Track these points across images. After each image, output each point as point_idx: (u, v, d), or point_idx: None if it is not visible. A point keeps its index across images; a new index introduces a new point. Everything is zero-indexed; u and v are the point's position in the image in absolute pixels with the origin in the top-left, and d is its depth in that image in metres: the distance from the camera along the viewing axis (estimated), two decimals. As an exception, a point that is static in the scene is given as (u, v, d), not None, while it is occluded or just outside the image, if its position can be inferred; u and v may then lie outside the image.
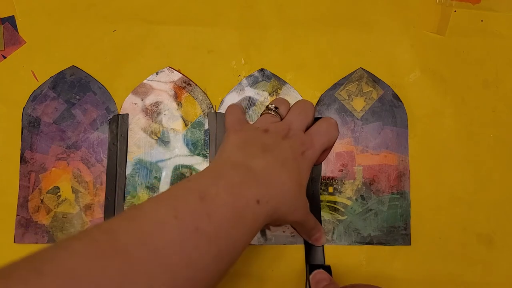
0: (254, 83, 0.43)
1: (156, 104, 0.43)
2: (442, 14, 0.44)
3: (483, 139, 0.43)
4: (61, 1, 0.45)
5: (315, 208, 0.42)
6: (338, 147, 0.42)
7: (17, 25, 0.44)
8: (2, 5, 0.44)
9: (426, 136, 0.43)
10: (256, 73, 0.44)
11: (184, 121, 0.43)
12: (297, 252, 0.41)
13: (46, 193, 0.42)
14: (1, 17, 0.44)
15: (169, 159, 0.42)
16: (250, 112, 0.43)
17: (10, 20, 0.44)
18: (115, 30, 0.44)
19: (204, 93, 0.43)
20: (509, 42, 0.44)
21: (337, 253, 0.41)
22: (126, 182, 0.42)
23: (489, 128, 0.43)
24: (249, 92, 0.43)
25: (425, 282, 0.41)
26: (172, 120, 0.43)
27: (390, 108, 0.43)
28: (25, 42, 0.44)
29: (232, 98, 0.43)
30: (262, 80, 0.43)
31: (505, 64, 0.44)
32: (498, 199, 0.42)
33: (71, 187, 0.42)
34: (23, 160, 0.42)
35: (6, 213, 0.42)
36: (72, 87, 0.43)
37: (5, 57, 0.44)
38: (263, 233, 0.41)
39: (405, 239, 0.41)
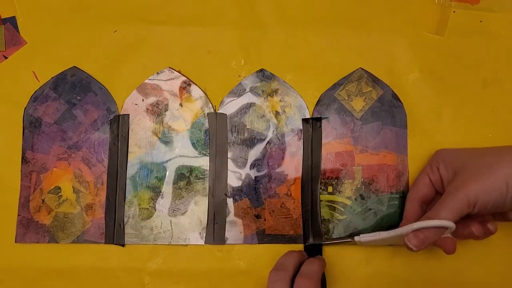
0: (254, 83, 0.44)
1: (157, 104, 0.43)
2: (441, 15, 0.44)
3: (482, 139, 0.43)
4: (61, 1, 0.45)
5: (314, 207, 0.42)
6: (337, 146, 0.43)
7: (18, 26, 0.44)
8: (3, 6, 0.44)
9: (425, 136, 0.43)
10: (256, 74, 0.44)
11: (185, 121, 0.43)
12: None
13: (47, 193, 0.42)
14: (2, 17, 0.44)
15: (169, 159, 0.43)
16: (250, 111, 0.43)
17: (11, 21, 0.44)
18: (115, 31, 0.44)
19: (205, 93, 0.43)
20: (508, 42, 0.44)
21: (337, 253, 0.42)
22: (127, 182, 0.42)
23: (488, 128, 0.43)
24: (249, 92, 0.43)
25: (425, 281, 0.41)
26: (173, 120, 0.43)
27: (389, 108, 0.43)
28: (26, 43, 0.44)
29: (232, 98, 0.43)
30: (262, 80, 0.44)
31: (504, 64, 0.44)
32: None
33: (72, 187, 0.42)
34: (24, 160, 0.43)
35: (7, 213, 0.42)
36: (73, 88, 0.44)
37: (6, 58, 0.44)
38: (261, 234, 0.42)
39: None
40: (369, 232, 0.41)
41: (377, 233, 0.37)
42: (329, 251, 0.42)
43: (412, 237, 0.34)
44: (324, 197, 0.42)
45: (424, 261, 0.41)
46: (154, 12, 0.45)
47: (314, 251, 0.41)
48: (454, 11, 0.44)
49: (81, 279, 0.41)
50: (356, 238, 0.38)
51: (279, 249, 0.41)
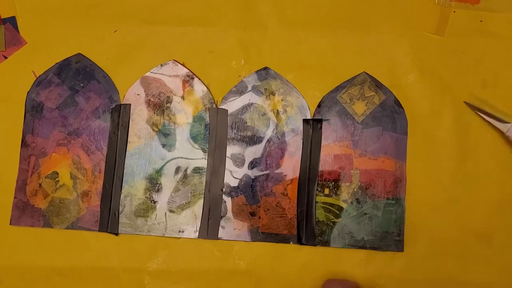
0: (256, 81, 0.44)
1: (159, 96, 0.43)
2: (441, 15, 0.44)
3: (482, 140, 0.43)
4: (62, 2, 0.45)
5: (310, 208, 0.42)
6: (336, 149, 0.43)
7: (18, 26, 0.45)
8: (3, 6, 0.45)
9: (424, 136, 0.43)
10: (259, 72, 0.44)
11: (186, 115, 0.43)
12: (297, 251, 0.42)
13: (45, 177, 0.43)
14: (2, 17, 0.45)
15: (168, 151, 0.43)
16: (251, 109, 0.43)
17: (11, 21, 0.45)
18: (115, 31, 0.45)
19: (207, 87, 0.43)
20: (508, 42, 0.44)
21: (337, 253, 0.42)
22: (125, 172, 0.42)
23: (488, 129, 0.43)
24: (251, 90, 0.43)
25: (425, 282, 0.41)
26: (174, 113, 0.43)
27: (391, 114, 0.43)
28: (26, 43, 0.44)
29: (234, 95, 0.43)
30: (265, 79, 0.44)
31: (504, 64, 0.44)
32: (497, 199, 0.42)
33: (70, 173, 0.43)
34: (24, 143, 0.43)
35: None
36: (77, 75, 0.44)
37: (6, 58, 0.44)
38: (255, 232, 0.42)
39: (398, 245, 0.41)
40: (362, 236, 0.41)
41: None
42: (329, 252, 0.41)
43: None
44: (320, 198, 0.42)
45: (424, 262, 0.41)
46: (154, 12, 0.45)
47: None
48: (454, 11, 0.43)
49: (81, 279, 0.42)
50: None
51: (279, 250, 0.41)
